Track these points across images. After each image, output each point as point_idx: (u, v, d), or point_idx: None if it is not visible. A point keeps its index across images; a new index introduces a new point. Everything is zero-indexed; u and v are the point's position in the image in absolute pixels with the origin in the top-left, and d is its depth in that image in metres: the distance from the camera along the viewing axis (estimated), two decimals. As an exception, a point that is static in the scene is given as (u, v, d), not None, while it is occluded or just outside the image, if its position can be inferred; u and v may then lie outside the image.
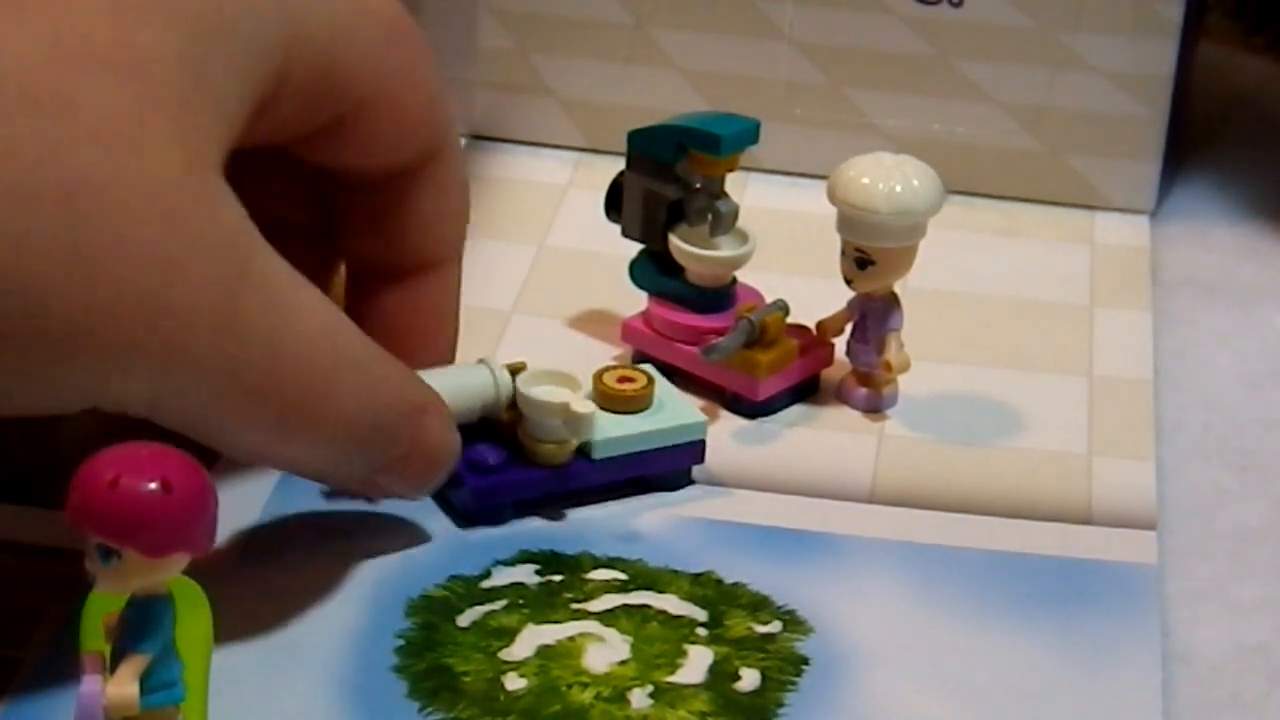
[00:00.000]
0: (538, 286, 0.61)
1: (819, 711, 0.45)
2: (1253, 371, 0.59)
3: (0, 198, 0.39)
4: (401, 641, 0.46)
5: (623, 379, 0.51)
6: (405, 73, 0.48)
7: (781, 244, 0.60)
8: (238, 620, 0.45)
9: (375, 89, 0.47)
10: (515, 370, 0.50)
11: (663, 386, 0.52)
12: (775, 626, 0.47)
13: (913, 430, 0.55)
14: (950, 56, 0.65)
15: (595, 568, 0.49)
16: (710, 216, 0.55)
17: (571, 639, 0.46)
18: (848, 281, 0.55)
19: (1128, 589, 0.49)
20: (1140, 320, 0.61)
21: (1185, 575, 0.51)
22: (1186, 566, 0.51)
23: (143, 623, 0.39)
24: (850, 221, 0.54)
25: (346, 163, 0.49)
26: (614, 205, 0.57)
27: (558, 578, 0.48)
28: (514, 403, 0.50)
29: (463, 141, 0.68)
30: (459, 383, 0.49)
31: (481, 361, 0.50)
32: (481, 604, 0.47)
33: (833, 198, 0.54)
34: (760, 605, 0.48)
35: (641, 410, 0.51)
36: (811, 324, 0.56)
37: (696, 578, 0.49)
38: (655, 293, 0.56)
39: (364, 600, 0.47)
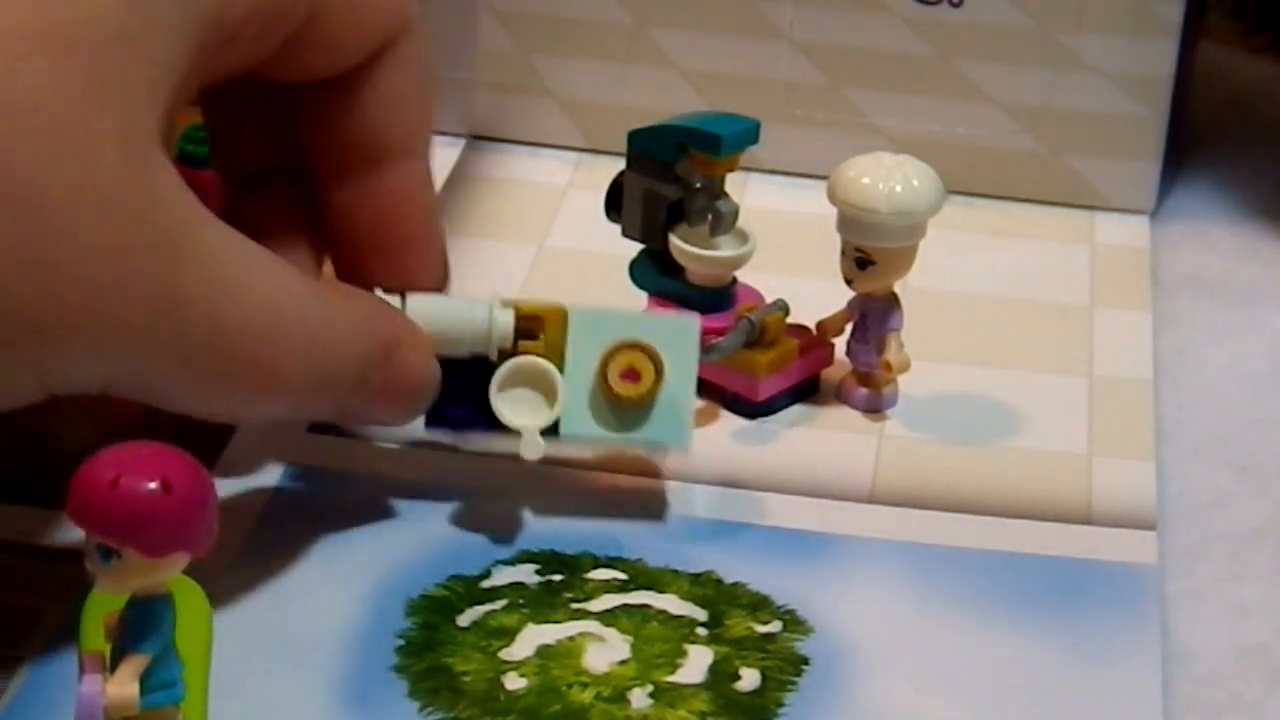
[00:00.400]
0: (538, 286, 0.61)
1: (819, 711, 0.45)
2: (1253, 371, 0.59)
3: None
4: (401, 641, 0.46)
5: (629, 373, 0.49)
6: None
7: (781, 244, 0.60)
8: (238, 620, 0.45)
9: None
10: (527, 316, 0.49)
11: (676, 376, 0.50)
12: (775, 626, 0.47)
13: (913, 430, 0.55)
14: (950, 56, 0.65)
15: (595, 567, 0.49)
16: (710, 216, 0.55)
17: (571, 639, 0.46)
18: (848, 281, 0.55)
19: (1128, 589, 0.49)
20: (1140, 320, 0.61)
21: (1185, 575, 0.51)
22: (1186, 566, 0.51)
23: (143, 623, 0.39)
24: (850, 221, 0.54)
25: (311, 73, 0.48)
26: (614, 205, 0.57)
27: (558, 577, 0.48)
28: (508, 345, 0.49)
29: (462, 141, 0.68)
30: (445, 315, 0.49)
31: (491, 302, 0.49)
32: (481, 604, 0.47)
33: (833, 198, 0.54)
34: (760, 605, 0.48)
35: (639, 410, 0.50)
36: (811, 324, 0.56)
37: (696, 578, 0.49)
38: (655, 293, 0.56)
39: (364, 600, 0.47)
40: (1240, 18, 0.78)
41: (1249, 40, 0.77)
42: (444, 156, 0.67)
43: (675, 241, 0.55)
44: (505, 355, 0.49)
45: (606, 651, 0.46)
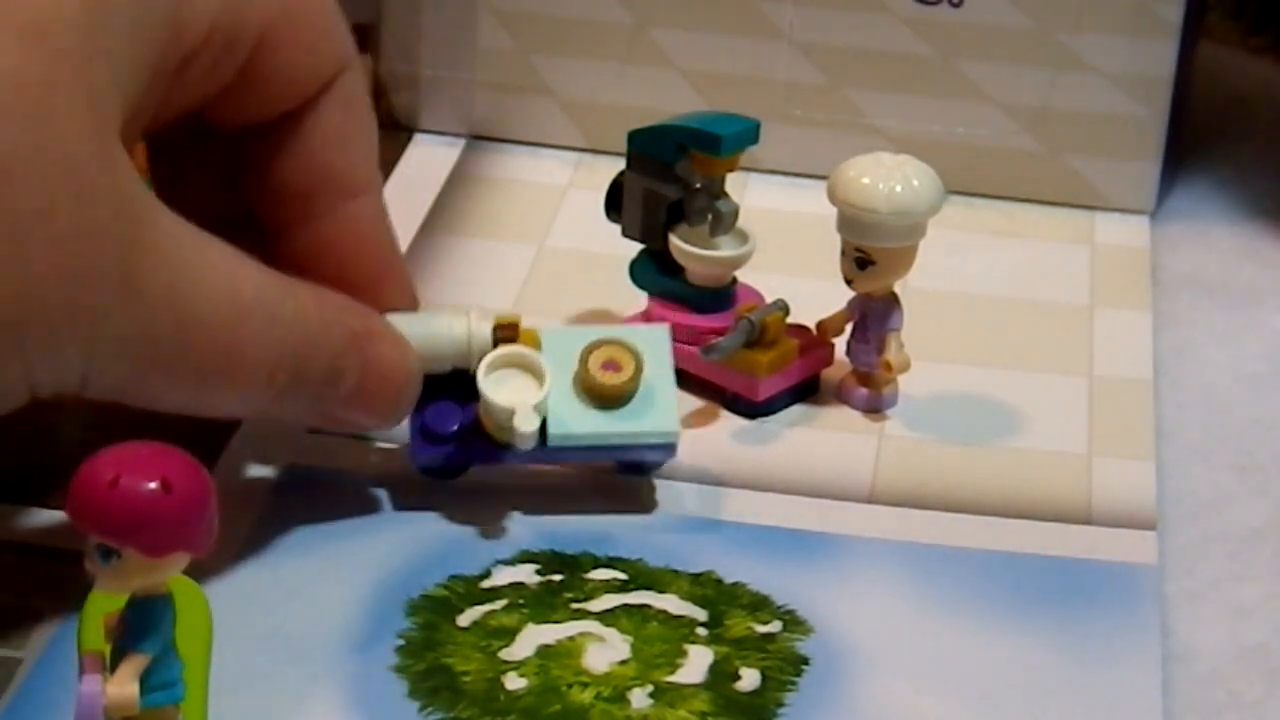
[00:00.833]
0: (538, 286, 0.61)
1: (819, 711, 0.45)
2: (1253, 371, 0.59)
3: None
4: (401, 641, 0.46)
5: (610, 364, 0.50)
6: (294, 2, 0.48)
7: (781, 244, 0.60)
8: (238, 620, 0.45)
9: (274, 22, 0.47)
10: (504, 325, 0.49)
11: (656, 374, 0.50)
12: (775, 626, 0.47)
13: (913, 430, 0.55)
14: (950, 57, 0.65)
15: (595, 567, 0.49)
16: (710, 216, 0.55)
17: (571, 639, 0.46)
18: (848, 281, 0.55)
19: (1128, 589, 0.49)
20: (1140, 320, 0.61)
21: (1185, 575, 0.51)
22: (1186, 566, 0.51)
23: (143, 623, 0.39)
24: (850, 221, 0.54)
25: (257, 113, 0.48)
26: (614, 205, 0.57)
27: (558, 577, 0.48)
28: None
29: (462, 141, 0.68)
30: (426, 331, 0.49)
31: (464, 314, 0.49)
32: (481, 604, 0.47)
33: (833, 198, 0.54)
34: (760, 605, 0.48)
35: (622, 403, 0.50)
36: (811, 324, 0.56)
37: (696, 578, 0.49)
38: (655, 293, 0.56)
39: (364, 600, 0.47)
40: (1240, 18, 0.78)
41: (1249, 40, 0.77)
42: (444, 156, 0.67)
43: (675, 241, 0.55)
44: None
45: (606, 651, 0.46)
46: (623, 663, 0.46)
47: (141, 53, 0.43)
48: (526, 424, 0.48)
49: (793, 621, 0.47)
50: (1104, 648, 0.47)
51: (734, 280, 0.56)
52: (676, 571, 0.49)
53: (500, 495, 0.51)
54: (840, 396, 0.56)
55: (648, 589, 0.48)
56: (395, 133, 0.68)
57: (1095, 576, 0.49)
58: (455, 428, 0.49)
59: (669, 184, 0.55)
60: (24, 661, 0.45)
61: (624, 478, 0.52)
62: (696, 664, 0.46)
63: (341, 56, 0.49)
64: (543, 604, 0.47)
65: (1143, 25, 0.64)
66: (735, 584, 0.48)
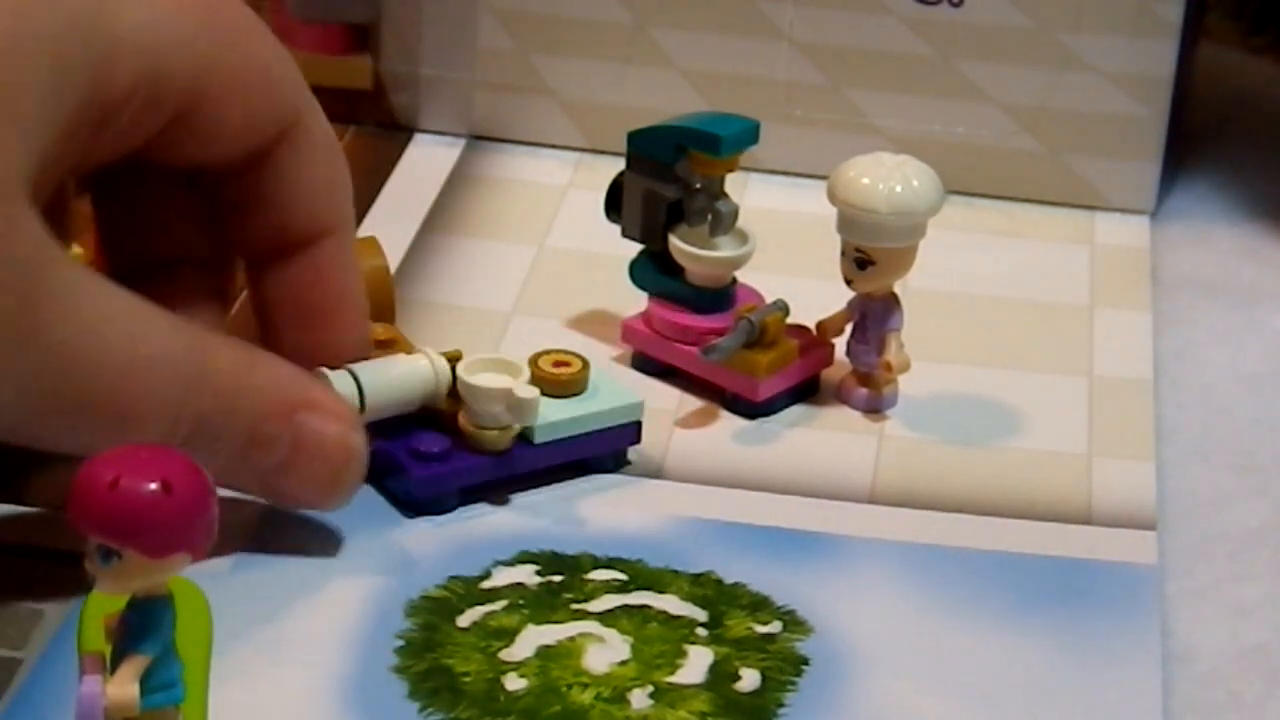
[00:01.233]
0: (538, 287, 0.61)
1: (819, 711, 0.45)
2: (1253, 371, 0.59)
3: None
4: (401, 642, 0.46)
5: (558, 363, 0.52)
6: (231, 51, 0.47)
7: (781, 244, 0.60)
8: (238, 620, 0.45)
9: (205, 78, 0.47)
10: (453, 359, 0.50)
11: (597, 371, 0.52)
12: (775, 626, 0.47)
13: (913, 430, 0.55)
14: (950, 57, 0.65)
15: (595, 568, 0.49)
16: (710, 216, 0.55)
17: (571, 639, 0.46)
18: (848, 282, 0.55)
19: (1128, 589, 0.49)
20: (1140, 320, 0.61)
21: (1185, 575, 0.51)
22: (1186, 566, 0.51)
23: (143, 623, 0.39)
24: (850, 221, 0.54)
25: (199, 160, 0.49)
26: (614, 205, 0.57)
27: (558, 578, 0.48)
28: (453, 391, 0.50)
29: (462, 141, 0.68)
30: (397, 374, 0.50)
31: (420, 352, 0.50)
32: (481, 604, 0.47)
33: (833, 198, 0.54)
34: (760, 605, 0.48)
35: (578, 394, 0.51)
36: (811, 324, 0.56)
37: (696, 578, 0.49)
38: (655, 293, 0.56)
39: (364, 600, 0.47)
40: (1240, 18, 0.78)
41: (1249, 40, 0.77)
42: (444, 156, 0.67)
43: (675, 242, 0.55)
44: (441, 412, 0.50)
45: (606, 652, 0.46)
46: (623, 663, 0.46)
47: (55, 113, 0.44)
48: (526, 391, 0.49)
49: (793, 622, 0.47)
50: (1104, 648, 0.47)
51: (734, 280, 0.56)
52: (676, 572, 0.49)
53: (500, 496, 0.51)
54: (840, 397, 0.56)
55: (647, 589, 0.48)
56: (395, 133, 0.68)
57: (1095, 577, 0.49)
58: (445, 445, 0.50)
59: (669, 184, 0.55)
60: (24, 661, 0.45)
61: (624, 477, 0.52)
62: (696, 664, 0.46)
63: (286, 111, 0.49)
64: (543, 604, 0.47)
65: (1143, 25, 0.64)
66: (735, 584, 0.48)
